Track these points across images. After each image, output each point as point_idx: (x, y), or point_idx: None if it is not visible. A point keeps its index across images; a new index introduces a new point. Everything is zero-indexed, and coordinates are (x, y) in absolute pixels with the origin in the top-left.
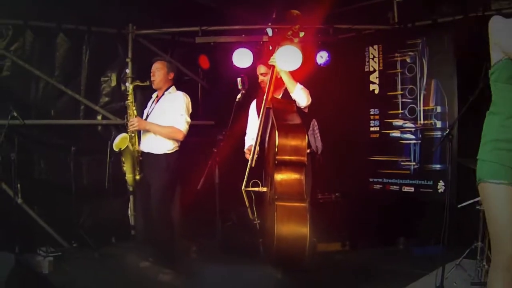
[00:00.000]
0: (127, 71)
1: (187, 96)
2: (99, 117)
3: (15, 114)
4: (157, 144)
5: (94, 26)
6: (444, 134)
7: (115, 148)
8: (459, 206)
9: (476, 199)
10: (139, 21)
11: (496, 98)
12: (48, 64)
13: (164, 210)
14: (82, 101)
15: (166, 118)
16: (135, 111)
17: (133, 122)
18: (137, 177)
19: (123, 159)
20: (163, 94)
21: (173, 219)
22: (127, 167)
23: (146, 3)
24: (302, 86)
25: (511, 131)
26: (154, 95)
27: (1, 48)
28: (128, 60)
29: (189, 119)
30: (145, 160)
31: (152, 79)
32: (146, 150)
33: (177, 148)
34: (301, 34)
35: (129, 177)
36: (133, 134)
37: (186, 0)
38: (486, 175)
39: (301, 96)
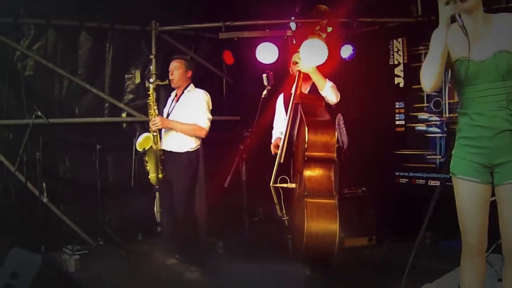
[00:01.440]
0: (151, 67)
1: (207, 93)
2: (123, 115)
3: (39, 113)
4: (180, 142)
5: (117, 24)
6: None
7: (139, 148)
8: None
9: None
10: (162, 18)
11: (462, 99)
12: (71, 63)
13: (188, 208)
14: (106, 99)
15: (188, 116)
16: (156, 110)
17: (156, 121)
18: (160, 175)
19: (146, 159)
20: (182, 93)
21: (197, 216)
22: (150, 167)
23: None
24: (332, 84)
25: (476, 130)
26: (173, 94)
27: (24, 48)
28: (151, 57)
29: (210, 116)
30: (167, 158)
31: (170, 78)
32: (168, 149)
33: (199, 146)
34: (329, 29)
35: (152, 176)
36: (155, 133)
37: None
38: (455, 170)
39: (331, 94)
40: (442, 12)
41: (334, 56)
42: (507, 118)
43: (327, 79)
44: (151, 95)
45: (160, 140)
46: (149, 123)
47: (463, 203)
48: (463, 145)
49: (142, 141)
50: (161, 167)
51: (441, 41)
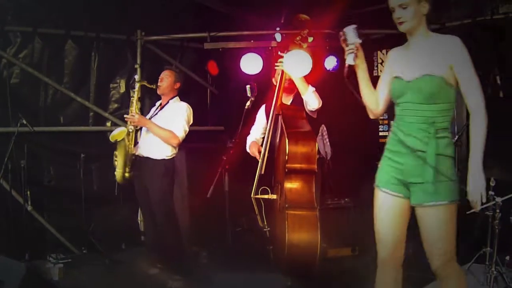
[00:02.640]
0: (136, 77)
1: (190, 107)
2: (108, 124)
3: (24, 121)
4: (156, 149)
5: (103, 33)
6: (453, 141)
7: (111, 139)
8: (467, 212)
9: (485, 205)
10: (147, 27)
11: (395, 113)
12: (57, 71)
13: (166, 214)
14: (91, 107)
15: (166, 124)
16: (137, 109)
17: (134, 116)
18: (127, 175)
19: (116, 153)
20: (167, 103)
21: (179, 224)
22: (118, 161)
23: (155, 9)
24: (314, 89)
25: (397, 145)
26: (157, 103)
27: (10, 56)
28: (137, 66)
29: (187, 128)
30: (143, 164)
31: (159, 84)
32: (144, 154)
33: (175, 155)
34: (310, 39)
35: (118, 172)
36: (131, 130)
37: (194, 5)
38: (377, 181)
39: (312, 99)
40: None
41: (319, 67)
42: (423, 140)
43: (309, 85)
44: (136, 92)
45: (136, 143)
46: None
47: (380, 215)
48: (385, 157)
49: (117, 134)
50: (129, 166)
51: (362, 75)
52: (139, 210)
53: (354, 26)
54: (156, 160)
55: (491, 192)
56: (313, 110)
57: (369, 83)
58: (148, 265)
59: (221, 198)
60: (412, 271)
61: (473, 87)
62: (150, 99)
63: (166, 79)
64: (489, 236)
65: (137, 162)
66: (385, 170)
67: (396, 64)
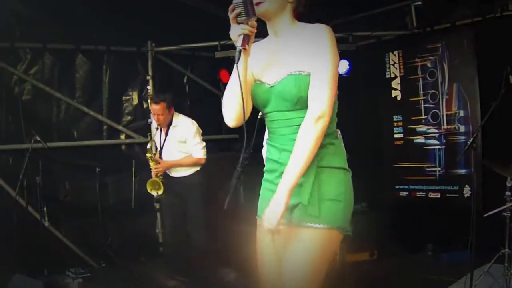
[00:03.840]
0: (149, 88)
1: (194, 122)
2: (122, 136)
3: (37, 138)
4: (183, 169)
5: (113, 46)
6: (468, 142)
7: (153, 193)
8: (485, 215)
9: (502, 207)
10: (158, 38)
11: None
12: (68, 86)
13: (203, 226)
14: (104, 121)
15: (182, 148)
16: (154, 154)
17: (158, 167)
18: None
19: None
20: (168, 128)
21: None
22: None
23: (165, 20)
24: None
25: (271, 163)
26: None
27: (21, 72)
28: (148, 77)
29: (204, 143)
30: (175, 183)
31: (156, 121)
32: (174, 175)
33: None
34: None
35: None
36: (160, 177)
37: (204, 14)
38: (258, 211)
39: None
40: (233, 32)
41: None
42: None
43: None
44: (151, 137)
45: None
46: (151, 168)
47: (260, 248)
48: (264, 180)
49: (152, 188)
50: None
51: (240, 66)
52: (157, 221)
53: None
54: (187, 176)
55: (507, 193)
56: None
57: (246, 82)
58: (167, 277)
59: (237, 209)
60: (431, 273)
61: (319, 89)
62: None
63: (161, 116)
64: (507, 238)
65: (168, 181)
66: (264, 196)
67: (256, 64)
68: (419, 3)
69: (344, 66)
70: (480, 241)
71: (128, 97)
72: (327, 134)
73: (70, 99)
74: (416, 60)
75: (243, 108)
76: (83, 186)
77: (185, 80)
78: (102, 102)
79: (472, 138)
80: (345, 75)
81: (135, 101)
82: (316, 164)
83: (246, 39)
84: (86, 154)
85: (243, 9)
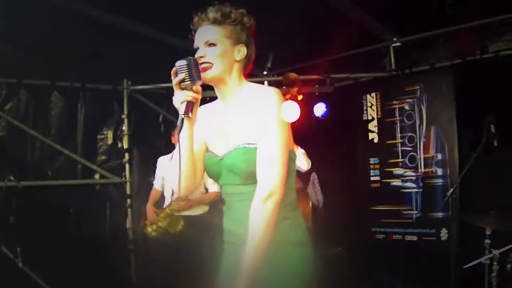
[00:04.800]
0: (124, 128)
1: None
2: (96, 176)
3: (11, 178)
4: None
5: (89, 83)
6: (448, 193)
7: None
8: (464, 267)
9: (482, 259)
10: (134, 76)
11: None
12: (43, 123)
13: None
14: (79, 160)
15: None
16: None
17: (182, 205)
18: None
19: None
20: None
21: None
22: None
23: (141, 58)
24: (303, 151)
25: (231, 236)
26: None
27: None
28: (124, 116)
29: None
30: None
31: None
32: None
33: None
34: (300, 97)
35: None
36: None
37: (180, 53)
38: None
39: (302, 161)
40: (176, 98)
41: (307, 114)
42: None
43: (298, 146)
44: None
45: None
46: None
47: None
48: (224, 241)
49: (170, 225)
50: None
51: (184, 135)
52: (131, 261)
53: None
54: (197, 216)
55: (487, 241)
56: (302, 171)
57: (192, 154)
58: None
59: None
60: None
61: (267, 164)
62: (138, 150)
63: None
64: (486, 285)
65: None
66: (225, 260)
67: (207, 132)
68: (398, 44)
69: (321, 109)
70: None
71: (103, 136)
72: (284, 206)
73: (45, 137)
74: (394, 102)
75: (181, 180)
76: (58, 225)
77: (160, 120)
78: (76, 140)
79: (452, 189)
80: (322, 117)
81: (110, 140)
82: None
83: (190, 106)
84: (60, 193)
85: (187, 73)
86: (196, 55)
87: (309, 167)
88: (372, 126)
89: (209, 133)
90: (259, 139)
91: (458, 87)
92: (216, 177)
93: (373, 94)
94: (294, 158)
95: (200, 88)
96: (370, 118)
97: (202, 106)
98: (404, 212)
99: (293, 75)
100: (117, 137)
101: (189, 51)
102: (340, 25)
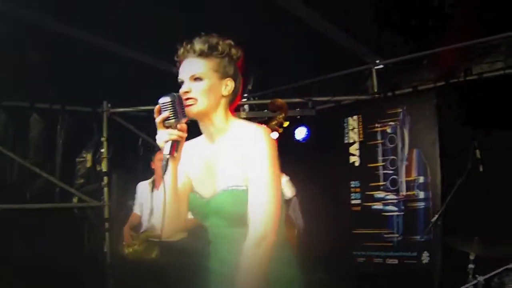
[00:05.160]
0: (103, 150)
1: None
2: (75, 199)
3: None
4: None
5: (68, 105)
6: (431, 223)
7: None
8: None
9: (467, 285)
10: (113, 99)
11: None
12: (22, 145)
13: None
14: (57, 183)
15: None
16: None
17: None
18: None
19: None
20: None
21: None
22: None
23: (121, 79)
24: (288, 178)
25: (217, 278)
26: (150, 185)
27: None
28: (103, 139)
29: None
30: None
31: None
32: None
33: None
34: (286, 123)
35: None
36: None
37: (162, 75)
38: None
39: (287, 189)
40: (160, 137)
41: (288, 138)
42: None
43: (283, 174)
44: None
45: None
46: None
47: None
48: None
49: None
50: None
51: (168, 176)
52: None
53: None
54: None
55: (471, 266)
56: (287, 199)
57: (177, 195)
58: None
59: None
60: None
61: (259, 206)
62: (117, 174)
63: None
64: None
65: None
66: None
67: (191, 171)
68: (381, 66)
69: (302, 132)
70: None
71: (81, 159)
72: (276, 246)
73: (23, 159)
74: (376, 125)
75: (164, 222)
76: (36, 249)
77: (140, 143)
78: (55, 163)
79: (436, 216)
80: (303, 141)
81: (89, 164)
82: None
83: (175, 145)
84: (38, 216)
85: (171, 111)
86: (181, 90)
87: (294, 194)
88: (354, 149)
89: (194, 172)
90: (250, 181)
91: (441, 110)
92: (202, 219)
93: (355, 117)
94: (282, 191)
95: (185, 126)
96: (351, 141)
97: (186, 142)
98: (385, 235)
99: (279, 101)
100: (96, 160)
101: (169, 73)
102: (322, 47)
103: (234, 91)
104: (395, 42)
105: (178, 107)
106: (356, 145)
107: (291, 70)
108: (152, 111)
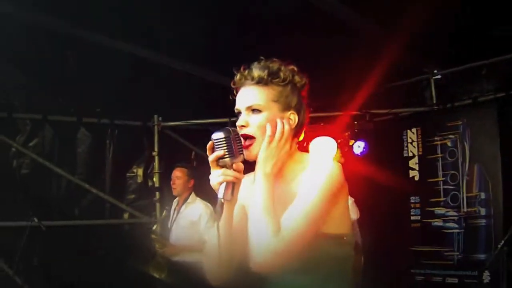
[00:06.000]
0: (154, 165)
1: (208, 204)
2: (125, 215)
3: (35, 220)
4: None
5: (118, 119)
6: (499, 245)
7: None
8: None
9: None
10: (164, 112)
11: None
12: (69, 161)
13: None
14: (107, 199)
15: (194, 230)
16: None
17: (164, 251)
18: None
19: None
20: (183, 203)
21: None
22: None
23: (172, 92)
24: (353, 200)
25: None
26: (174, 203)
27: (19, 145)
28: (154, 154)
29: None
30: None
31: (172, 186)
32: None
33: None
34: (351, 142)
35: None
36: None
37: (214, 88)
38: None
39: (352, 211)
40: (213, 178)
41: (346, 152)
42: None
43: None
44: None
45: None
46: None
47: None
48: None
49: (154, 270)
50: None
51: (223, 222)
52: None
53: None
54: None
55: None
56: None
57: (231, 243)
58: None
59: None
60: None
61: (295, 211)
62: (170, 190)
63: (178, 181)
64: None
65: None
66: None
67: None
68: (439, 77)
69: (359, 147)
70: None
71: (132, 174)
72: None
73: (71, 174)
74: (436, 138)
75: (213, 268)
76: (84, 267)
77: (192, 156)
78: (105, 179)
79: (503, 241)
80: (360, 155)
81: (140, 179)
82: None
83: (231, 187)
84: (87, 233)
85: (226, 149)
86: (237, 123)
87: (358, 216)
88: (413, 163)
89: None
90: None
91: (502, 122)
92: None
93: (414, 130)
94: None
95: (242, 166)
96: (411, 155)
97: (248, 174)
98: (445, 253)
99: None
100: (148, 175)
101: (225, 87)
102: (377, 57)
103: (298, 124)
104: (453, 51)
105: (234, 144)
106: (415, 159)
107: (349, 82)
108: (204, 124)
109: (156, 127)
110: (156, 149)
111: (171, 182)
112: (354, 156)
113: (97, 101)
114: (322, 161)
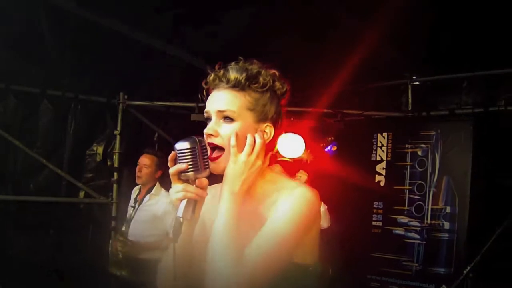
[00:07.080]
0: (115, 145)
1: None
2: (81, 194)
3: None
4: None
5: (82, 94)
6: (464, 272)
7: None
8: None
9: None
10: (130, 90)
11: None
12: (30, 134)
13: None
14: (64, 176)
15: (156, 227)
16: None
17: (126, 251)
18: None
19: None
20: (146, 194)
21: None
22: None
23: (140, 71)
24: (326, 207)
25: None
26: (135, 193)
27: None
28: (116, 132)
29: None
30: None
31: (137, 174)
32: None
33: None
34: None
35: None
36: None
37: (186, 67)
38: None
39: (323, 219)
40: (174, 193)
41: (316, 150)
42: None
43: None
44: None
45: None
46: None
47: None
48: None
49: (115, 268)
50: None
51: (180, 243)
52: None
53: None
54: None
55: None
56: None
57: (188, 259)
58: None
59: None
60: None
61: (262, 239)
62: (130, 171)
63: (145, 169)
64: None
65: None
66: None
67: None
68: (417, 83)
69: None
70: None
71: (92, 152)
72: None
73: (30, 148)
74: (407, 146)
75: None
76: (37, 244)
77: (155, 138)
78: (63, 155)
79: (469, 267)
80: (330, 154)
81: (99, 157)
82: None
83: (192, 205)
84: (42, 209)
85: (190, 161)
86: (206, 131)
87: (329, 225)
88: (380, 168)
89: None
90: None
91: (476, 138)
92: None
93: (385, 134)
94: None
95: (205, 182)
96: (379, 159)
97: (212, 186)
98: (404, 263)
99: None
100: (107, 154)
101: (198, 70)
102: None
103: (274, 138)
104: (436, 59)
105: (200, 157)
106: (383, 164)
107: (322, 77)
108: (170, 106)
109: (121, 105)
110: (118, 128)
111: (137, 169)
112: (324, 154)
113: (65, 75)
114: (299, 187)
